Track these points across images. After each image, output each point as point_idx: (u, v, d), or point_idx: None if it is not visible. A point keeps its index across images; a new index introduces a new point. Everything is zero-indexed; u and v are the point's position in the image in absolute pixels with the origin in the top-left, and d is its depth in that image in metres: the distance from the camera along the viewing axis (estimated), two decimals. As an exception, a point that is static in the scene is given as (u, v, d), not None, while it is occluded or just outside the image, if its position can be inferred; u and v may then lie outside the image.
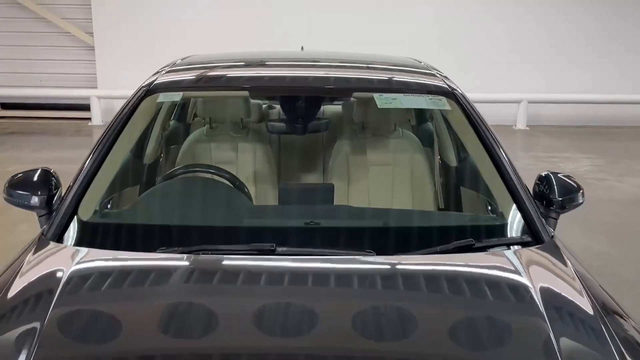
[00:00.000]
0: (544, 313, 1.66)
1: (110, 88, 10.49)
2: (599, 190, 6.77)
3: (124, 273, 1.91)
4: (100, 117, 10.45)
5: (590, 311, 1.72)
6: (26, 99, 10.85)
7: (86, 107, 10.62)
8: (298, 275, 1.91)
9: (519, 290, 1.81)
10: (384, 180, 3.11)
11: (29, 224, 3.82)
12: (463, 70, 9.81)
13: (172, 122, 3.60)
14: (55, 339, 1.56)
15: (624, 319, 1.77)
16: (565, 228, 5.00)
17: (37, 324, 1.58)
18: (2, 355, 1.50)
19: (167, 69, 2.90)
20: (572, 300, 1.79)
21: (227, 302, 1.75)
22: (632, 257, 4.80)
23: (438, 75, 2.88)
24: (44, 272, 1.85)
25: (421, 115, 3.72)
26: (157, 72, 2.86)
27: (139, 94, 2.63)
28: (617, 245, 5.07)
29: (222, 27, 10.30)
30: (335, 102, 3.87)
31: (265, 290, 1.80)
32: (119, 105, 10.72)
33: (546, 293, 1.77)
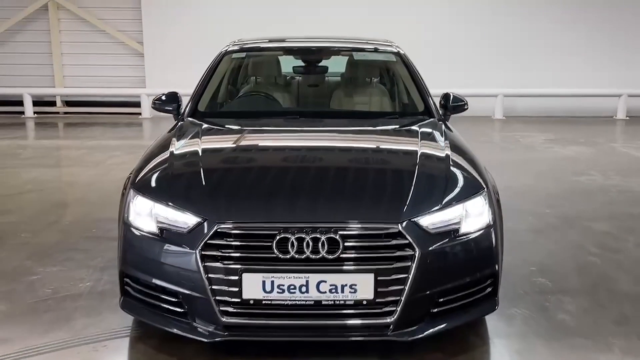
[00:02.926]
0: (419, 140, 3.63)
1: (156, 87, 12.64)
2: (543, 152, 8.78)
3: (227, 124, 4.04)
4: (148, 112, 12.63)
5: (443, 144, 3.65)
6: (87, 97, 13.08)
7: (136, 104, 12.81)
8: (310, 126, 4.07)
9: (411, 132, 3.85)
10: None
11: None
12: (450, 69, 11.89)
13: (230, 86, 5.66)
14: (209, 152, 3.56)
15: (465, 156, 3.65)
16: (512, 172, 7.00)
17: (198, 154, 3.48)
18: (185, 162, 3.45)
19: (231, 44, 4.97)
20: (435, 140, 3.76)
21: (281, 133, 4.00)
22: (545, 186, 6.81)
23: (393, 45, 4.95)
24: (192, 126, 3.92)
25: (389, 76, 5.75)
26: (227, 46, 4.93)
27: (219, 55, 4.71)
28: (539, 180, 7.07)
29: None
30: (333, 75, 5.89)
31: (296, 128, 4.03)
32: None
33: (424, 133, 3.79)
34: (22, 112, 12.58)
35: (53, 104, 13.25)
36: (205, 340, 2.82)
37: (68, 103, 13.37)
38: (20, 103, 12.60)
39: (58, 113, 13.18)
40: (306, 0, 12.64)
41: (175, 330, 2.90)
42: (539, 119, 12.49)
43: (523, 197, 6.23)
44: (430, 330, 2.89)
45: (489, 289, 3.06)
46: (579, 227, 5.26)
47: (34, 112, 12.65)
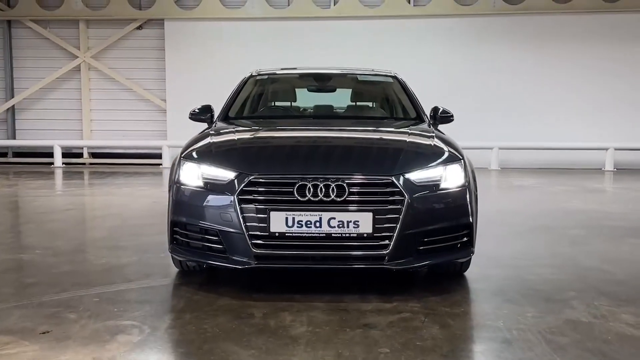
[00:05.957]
0: (410, 130, 4.50)
1: (177, 139, 13.67)
2: (533, 190, 9.60)
3: (254, 125, 4.90)
4: (169, 161, 13.58)
5: (429, 134, 4.50)
6: (112, 149, 14.12)
7: (158, 156, 13.79)
8: (322, 124, 4.93)
9: (404, 126, 4.72)
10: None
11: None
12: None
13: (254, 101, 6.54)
14: (242, 136, 4.43)
15: (447, 143, 4.52)
16: (503, 202, 7.78)
17: (234, 137, 4.38)
18: (225, 145, 4.32)
19: (254, 70, 5.93)
20: (423, 131, 4.61)
21: (299, 128, 4.79)
22: (531, 209, 7.60)
23: (391, 72, 5.91)
24: (225, 125, 4.79)
25: (389, 98, 6.66)
26: (250, 72, 5.88)
27: (245, 77, 5.65)
28: (526, 206, 7.86)
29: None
30: (340, 108, 6.82)
31: (310, 127, 4.85)
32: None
33: (415, 127, 4.65)
34: (52, 163, 13.56)
35: (80, 155, 14.26)
36: (240, 267, 3.58)
37: (94, 155, 14.39)
38: (50, 154, 13.61)
39: (84, 164, 14.16)
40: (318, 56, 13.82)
41: (215, 263, 3.67)
42: (532, 169, 13.35)
43: (512, 216, 6.99)
44: (417, 264, 3.64)
45: (465, 239, 3.83)
46: (556, 232, 6.01)
47: (63, 163, 13.64)
